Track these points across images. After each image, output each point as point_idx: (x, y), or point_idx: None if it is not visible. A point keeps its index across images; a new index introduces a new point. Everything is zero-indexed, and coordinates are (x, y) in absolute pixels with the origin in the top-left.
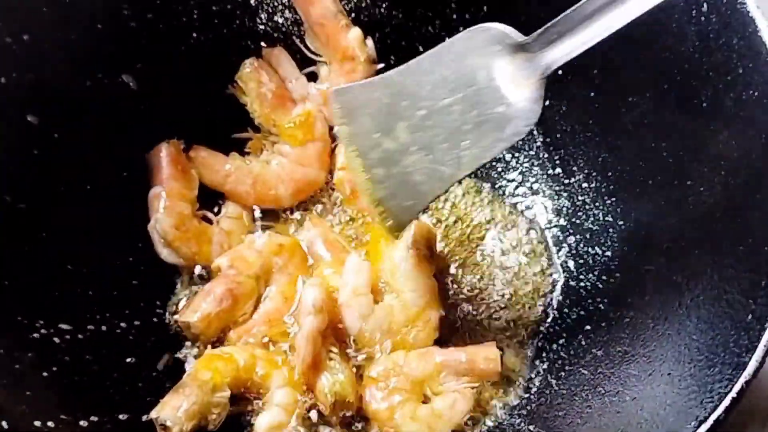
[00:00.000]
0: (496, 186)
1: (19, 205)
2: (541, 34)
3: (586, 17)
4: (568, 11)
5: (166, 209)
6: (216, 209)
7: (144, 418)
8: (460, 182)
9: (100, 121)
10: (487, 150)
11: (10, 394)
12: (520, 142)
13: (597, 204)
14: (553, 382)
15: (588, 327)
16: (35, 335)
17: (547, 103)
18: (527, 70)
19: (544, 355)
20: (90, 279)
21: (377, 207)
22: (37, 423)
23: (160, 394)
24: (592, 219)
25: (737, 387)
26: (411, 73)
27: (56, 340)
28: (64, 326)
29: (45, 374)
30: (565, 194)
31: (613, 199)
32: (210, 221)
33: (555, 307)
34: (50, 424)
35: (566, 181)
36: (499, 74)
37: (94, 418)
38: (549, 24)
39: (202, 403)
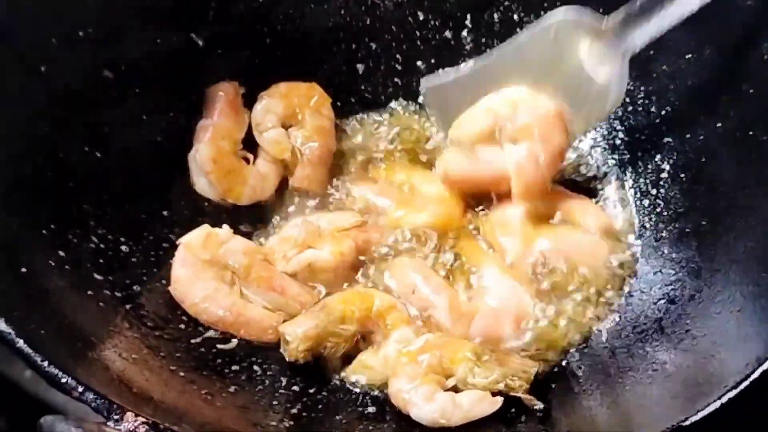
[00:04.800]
0: None
1: (96, 153)
2: (622, 17)
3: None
4: None
5: (209, 140)
6: None
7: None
8: None
9: (170, 79)
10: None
11: None
12: None
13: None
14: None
15: (650, 274)
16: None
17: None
18: (610, 50)
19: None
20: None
21: None
22: None
23: None
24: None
25: None
26: (497, 63)
27: None
28: None
29: None
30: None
31: (673, 136)
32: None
33: None
34: None
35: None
36: (585, 56)
37: None
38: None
39: (324, 329)
